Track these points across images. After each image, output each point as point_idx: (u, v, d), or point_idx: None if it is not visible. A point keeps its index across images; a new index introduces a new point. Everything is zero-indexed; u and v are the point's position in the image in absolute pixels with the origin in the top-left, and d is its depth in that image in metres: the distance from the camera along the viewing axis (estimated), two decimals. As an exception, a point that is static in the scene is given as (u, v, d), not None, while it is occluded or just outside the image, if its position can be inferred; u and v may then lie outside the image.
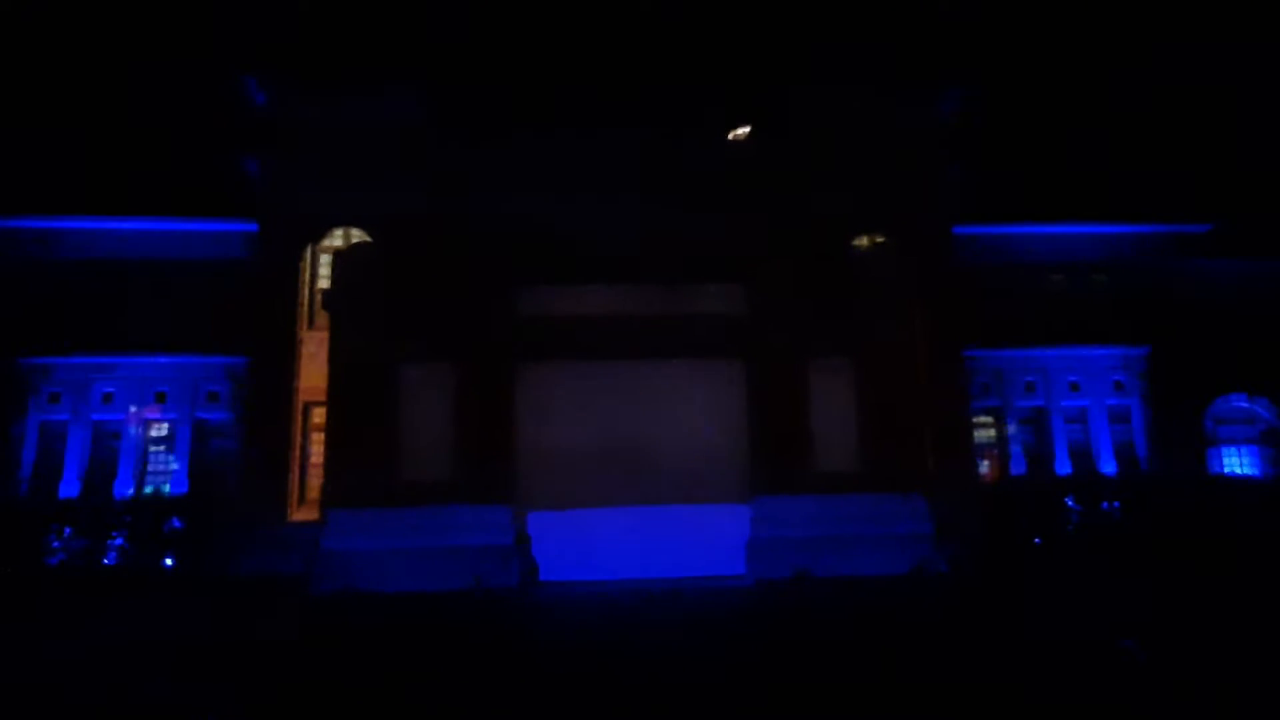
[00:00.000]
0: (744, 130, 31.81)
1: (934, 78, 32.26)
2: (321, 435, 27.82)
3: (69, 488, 29.46)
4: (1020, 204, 36.19)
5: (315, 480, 28.87)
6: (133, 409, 29.99)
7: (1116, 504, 30.14)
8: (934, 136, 32.21)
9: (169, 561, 26.71)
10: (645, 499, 25.20)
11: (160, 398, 30.59)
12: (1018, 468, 32.48)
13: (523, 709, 10.81)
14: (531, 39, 33.68)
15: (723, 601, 21.12)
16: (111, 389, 30.43)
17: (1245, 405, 34.26)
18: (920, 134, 31.93)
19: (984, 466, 32.83)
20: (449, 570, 23.33)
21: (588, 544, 25.15)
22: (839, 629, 16.63)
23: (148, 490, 29.84)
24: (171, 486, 29.94)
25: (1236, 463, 34.09)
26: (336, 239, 31.02)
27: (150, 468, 30.48)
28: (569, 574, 24.75)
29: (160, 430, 30.78)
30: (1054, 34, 48.94)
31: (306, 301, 30.58)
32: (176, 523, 27.72)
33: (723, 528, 25.39)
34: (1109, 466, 32.46)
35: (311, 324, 30.32)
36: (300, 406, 29.71)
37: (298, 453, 29.52)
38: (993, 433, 33.36)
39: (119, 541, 27.13)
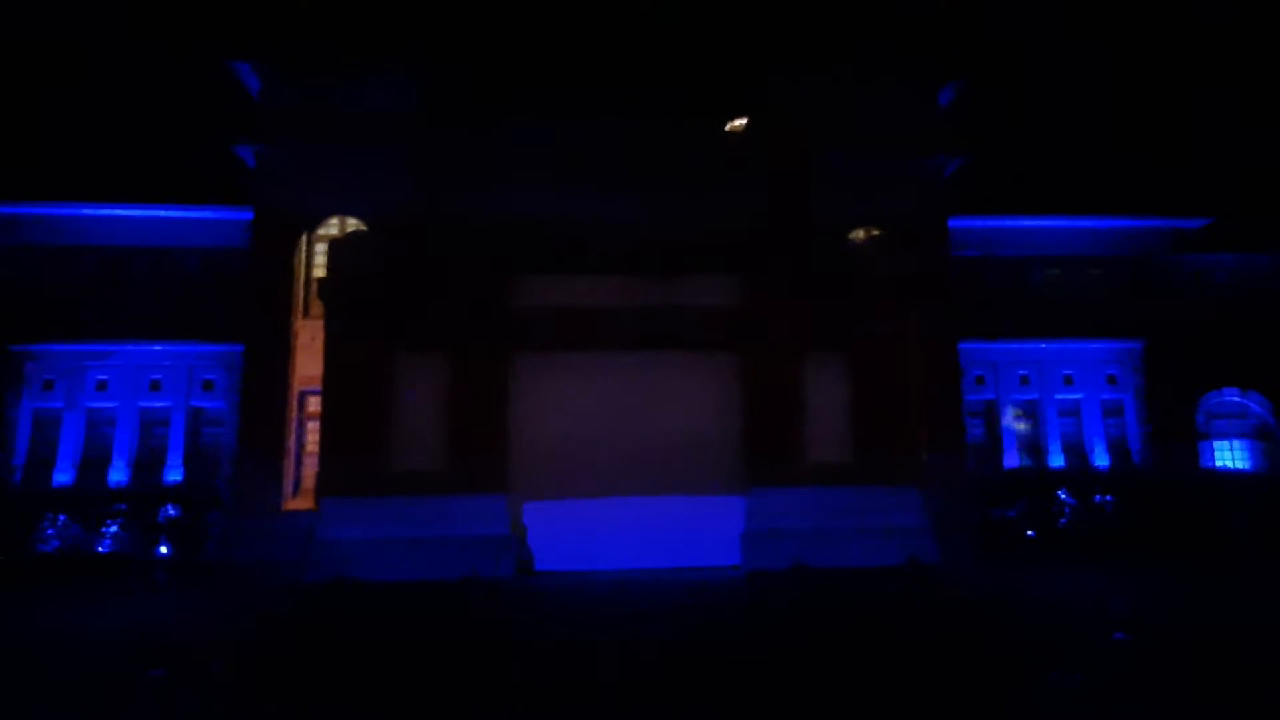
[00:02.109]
0: (741, 122, 31.74)
1: (932, 70, 32.18)
2: (316, 424, 27.81)
3: (63, 475, 29.38)
4: (1016, 197, 36.20)
5: (310, 469, 28.83)
6: None
7: (1109, 497, 30.31)
8: (931, 129, 32.16)
9: (164, 549, 26.72)
10: (641, 490, 25.25)
11: (155, 385, 30.52)
12: (1011, 461, 32.57)
13: (518, 695, 10.86)
14: (528, 28, 33.54)
15: (718, 591, 21.20)
16: (106, 376, 30.33)
17: (1238, 400, 34.40)
18: (917, 127, 31.87)
19: (977, 459, 32.91)
20: (444, 560, 23.40)
21: (583, 534, 25.20)
22: (832, 619, 16.71)
23: None
24: (166, 474, 29.90)
25: (1228, 457, 34.24)
26: (332, 228, 30.90)
27: None
28: (565, 564, 24.81)
29: None
30: (1053, 28, 48.88)
31: (302, 290, 30.47)
32: (171, 511, 27.74)
33: (717, 519, 25.47)
34: (1102, 460, 32.59)
35: (307, 313, 30.22)
36: (295, 395, 29.65)
37: (293, 442, 29.48)
38: (987, 425, 33.45)
39: (114, 529, 27.14)
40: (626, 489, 25.17)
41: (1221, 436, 34.35)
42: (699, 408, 26.15)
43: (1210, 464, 33.82)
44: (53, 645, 15.18)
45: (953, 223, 32.30)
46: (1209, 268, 34.97)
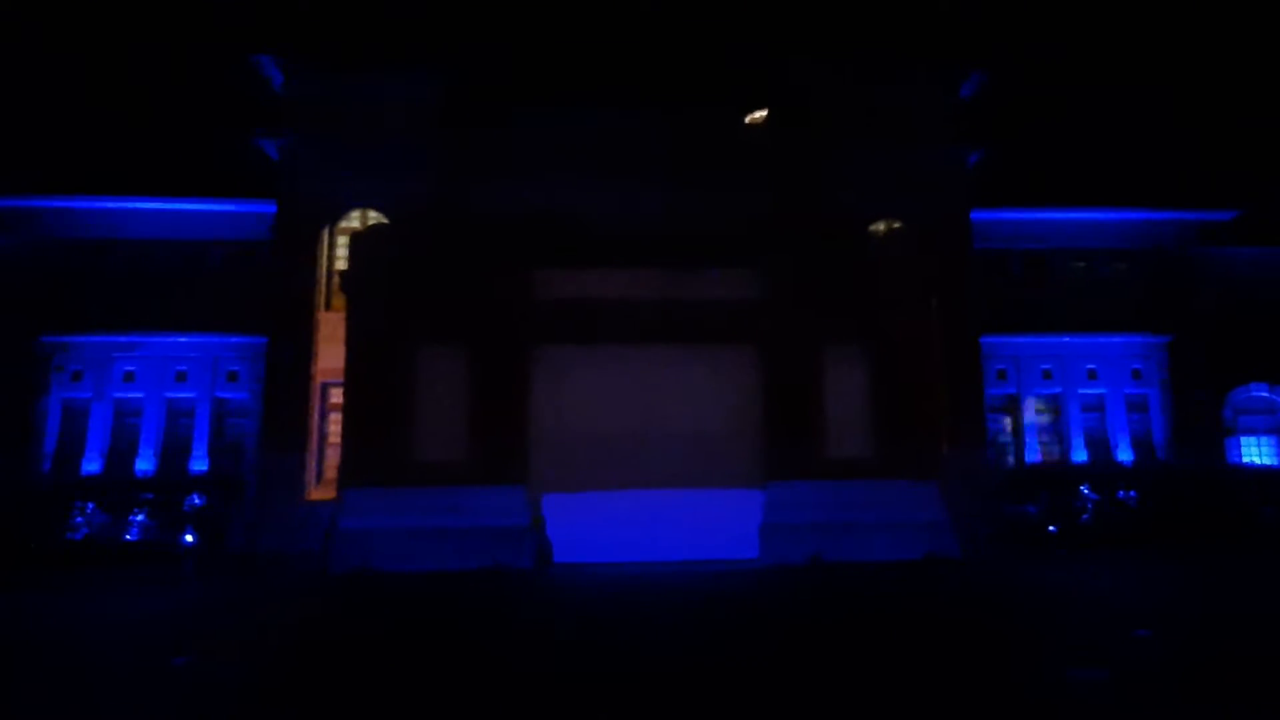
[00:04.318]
0: (761, 114, 31.60)
1: (954, 60, 31.87)
2: (339, 415, 28.09)
3: (91, 465, 29.88)
4: (1040, 189, 35.76)
5: (333, 460, 29.16)
6: None
7: (1133, 493, 30.02)
8: (953, 120, 31.87)
9: (189, 538, 27.15)
10: (659, 483, 25.32)
11: (181, 376, 30.95)
12: (1033, 455, 32.32)
13: (535, 687, 10.96)
14: (549, 21, 33.55)
15: (736, 584, 21.24)
16: (133, 367, 30.79)
17: (1266, 395, 33.91)
18: (939, 117, 31.60)
19: (998, 454, 32.68)
20: (464, 551, 23.60)
21: (601, 527, 25.31)
22: (850, 612, 16.71)
23: None
24: (192, 464, 30.34)
25: (1256, 452, 33.78)
26: (354, 221, 31.16)
27: None
28: (583, 556, 24.93)
29: None
30: (1078, 16, 48.20)
31: (324, 283, 30.78)
32: (196, 500, 28.17)
33: (736, 512, 25.49)
34: (1126, 455, 32.25)
35: (329, 305, 30.53)
36: (318, 387, 29.97)
37: (315, 432, 29.81)
38: (1008, 420, 33.19)
39: (141, 518, 27.60)
40: (645, 482, 25.24)
41: (1249, 432, 33.91)
42: (718, 401, 26.16)
43: (1237, 460, 33.39)
44: (80, 632, 15.48)
45: (975, 215, 32.02)
46: (1237, 261, 34.43)
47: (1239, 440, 33.72)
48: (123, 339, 30.69)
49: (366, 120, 30.18)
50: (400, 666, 12.19)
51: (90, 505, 27.67)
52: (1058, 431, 32.91)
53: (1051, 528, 28.92)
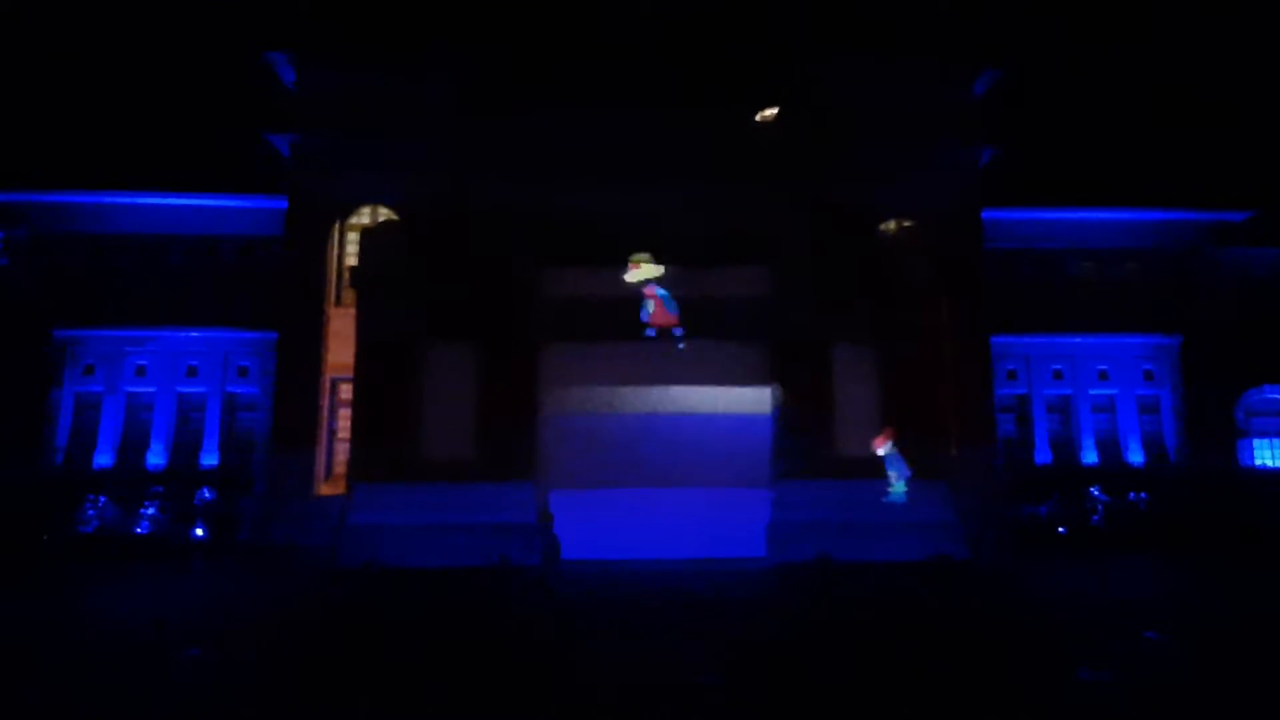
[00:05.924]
0: (772, 112, 31.51)
1: (966, 59, 31.70)
2: (348, 410, 28.16)
3: (103, 458, 30.05)
4: (1052, 188, 35.54)
5: (342, 455, 29.23)
6: None
7: (1144, 495, 29.86)
8: (965, 118, 31.70)
9: (199, 532, 27.29)
10: (667, 481, 25.33)
11: (192, 371, 31.09)
12: (1043, 456, 32.14)
13: (543, 683, 10.99)
14: (561, 17, 33.56)
15: (743, 583, 21.23)
16: (144, 361, 30.94)
17: (1279, 397, 33.66)
18: (951, 116, 31.42)
19: (1008, 455, 32.49)
20: (472, 546, 23.65)
21: (609, 524, 25.32)
22: (855, 612, 16.68)
23: None
24: (202, 458, 30.47)
25: (1268, 455, 33.52)
26: (364, 217, 31.22)
27: None
28: (590, 553, 24.94)
29: None
30: (1092, 14, 47.94)
31: (335, 278, 30.84)
32: (207, 494, 28.31)
33: (744, 511, 25.48)
34: (1137, 457, 32.05)
35: (339, 301, 30.59)
36: (328, 382, 30.05)
37: (325, 427, 29.89)
38: (1018, 421, 33.00)
39: (151, 511, 27.76)
40: (653, 479, 25.25)
41: (1262, 435, 33.63)
42: (727, 399, 26.17)
43: (1250, 462, 33.15)
44: (92, 625, 15.58)
45: (986, 214, 31.83)
46: (1250, 262, 34.15)
47: (1251, 442, 33.46)
48: (134, 333, 30.84)
49: (378, 117, 30.19)
50: (407, 661, 12.23)
51: (102, 498, 27.84)
52: (1068, 432, 32.71)
53: (1061, 529, 28.81)
